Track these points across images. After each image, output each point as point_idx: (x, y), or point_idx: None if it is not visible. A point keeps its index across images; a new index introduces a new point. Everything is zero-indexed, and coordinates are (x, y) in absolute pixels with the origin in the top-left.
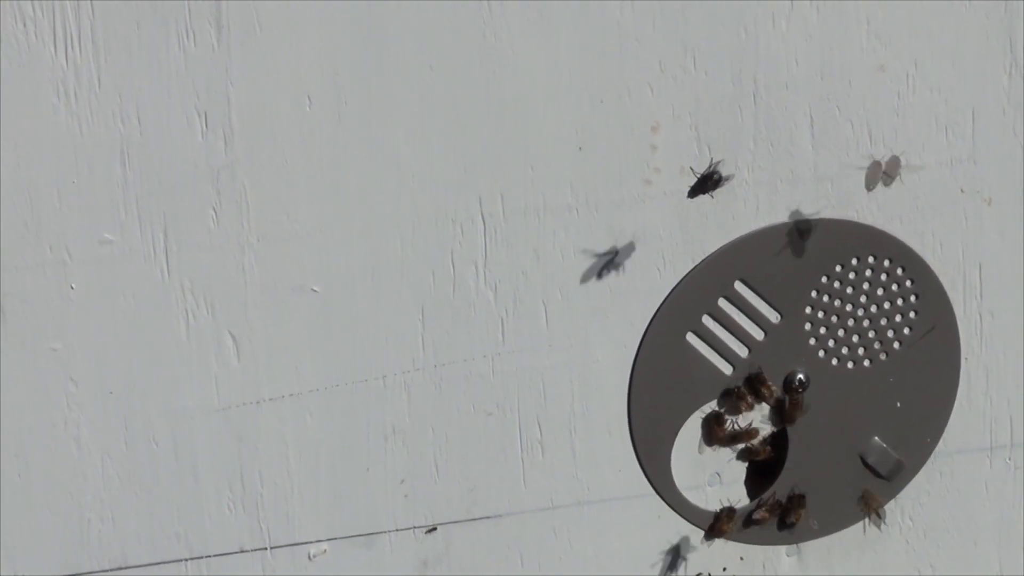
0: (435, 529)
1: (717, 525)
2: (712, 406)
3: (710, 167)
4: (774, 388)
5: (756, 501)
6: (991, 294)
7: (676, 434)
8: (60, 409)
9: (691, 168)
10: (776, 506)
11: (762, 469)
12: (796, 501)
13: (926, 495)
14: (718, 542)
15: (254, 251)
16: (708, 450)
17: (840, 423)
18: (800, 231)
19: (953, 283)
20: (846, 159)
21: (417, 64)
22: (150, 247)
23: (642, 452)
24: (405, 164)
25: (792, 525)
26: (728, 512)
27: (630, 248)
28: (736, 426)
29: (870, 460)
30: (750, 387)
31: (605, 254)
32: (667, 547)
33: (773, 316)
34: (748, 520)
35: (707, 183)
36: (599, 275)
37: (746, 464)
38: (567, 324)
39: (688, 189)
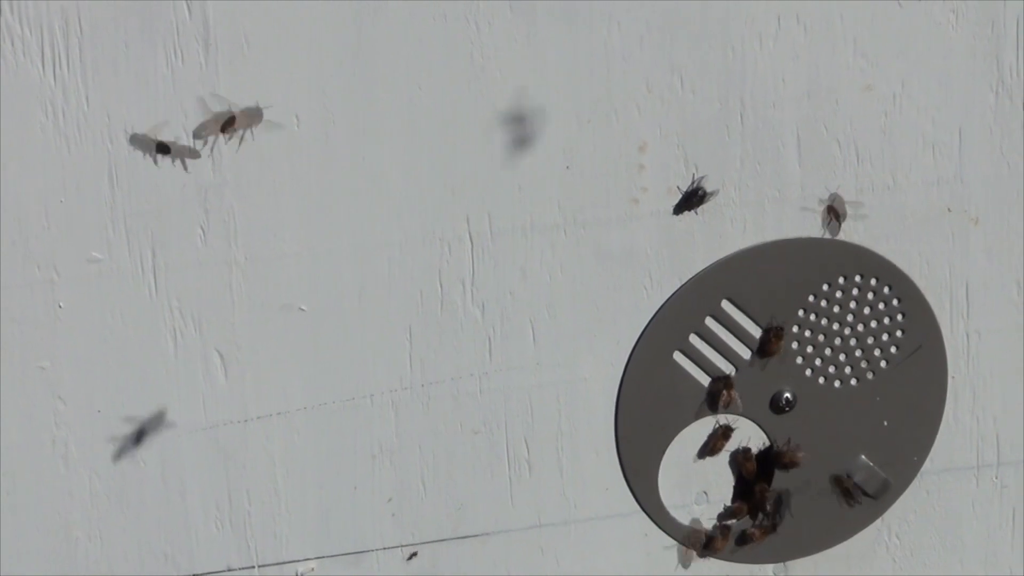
0: (416, 555)
1: (711, 543)
2: (719, 419)
3: (694, 183)
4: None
5: (757, 520)
6: (978, 313)
7: (663, 452)
8: (48, 427)
9: (677, 187)
10: (771, 524)
11: (748, 487)
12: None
13: (912, 514)
14: (703, 562)
15: (242, 270)
16: (699, 462)
17: (827, 441)
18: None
19: (940, 302)
20: (833, 178)
21: (405, 83)
22: (138, 266)
23: (629, 470)
24: (392, 183)
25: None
26: (723, 530)
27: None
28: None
29: (857, 478)
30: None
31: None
32: (654, 565)
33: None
34: (741, 538)
35: (692, 199)
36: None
37: (733, 482)
38: (554, 343)
39: (673, 206)
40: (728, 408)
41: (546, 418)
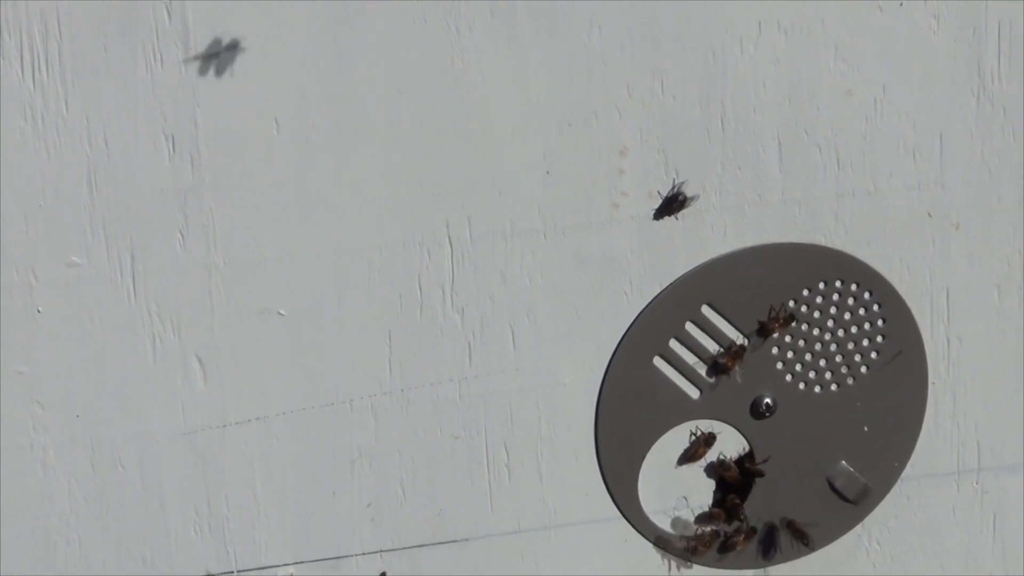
0: (384, 574)
1: (696, 545)
2: (701, 426)
3: (674, 188)
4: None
5: (731, 527)
6: (958, 318)
7: (643, 458)
8: (26, 432)
9: (658, 192)
10: (752, 532)
11: (730, 490)
12: (748, 533)
13: (893, 519)
14: (683, 567)
15: (221, 274)
16: (681, 468)
17: (807, 447)
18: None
19: (920, 307)
20: (814, 183)
21: (385, 88)
22: (117, 270)
23: (609, 476)
24: (372, 188)
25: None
26: (711, 534)
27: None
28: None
29: (837, 484)
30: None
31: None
32: (634, 570)
33: (740, 340)
34: (723, 547)
35: (672, 204)
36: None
37: (714, 486)
38: (534, 348)
39: (654, 211)
40: (723, 374)
41: (526, 423)
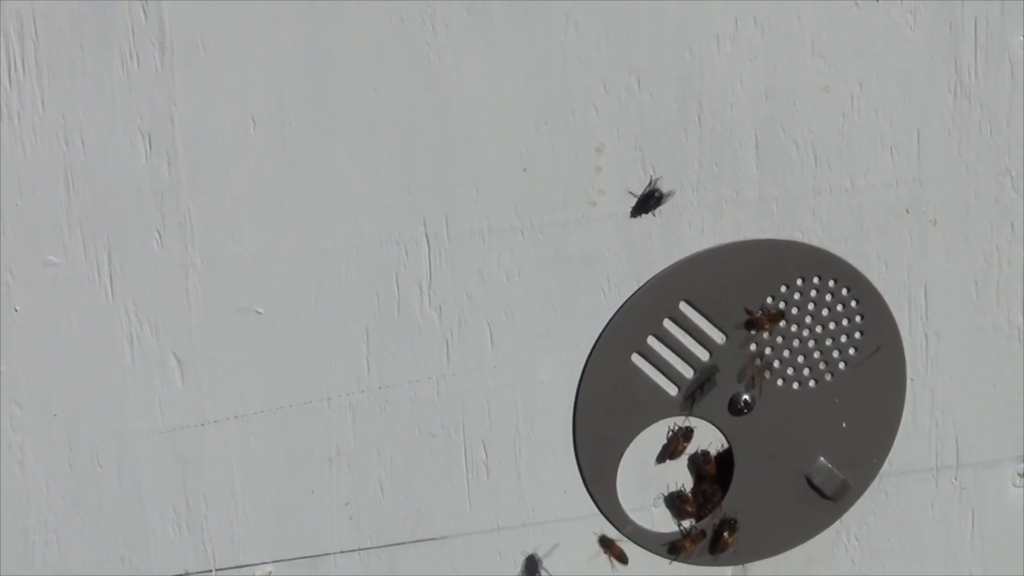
0: None
1: (681, 543)
2: (680, 422)
3: (650, 185)
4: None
5: (716, 527)
6: (936, 314)
7: (622, 455)
8: (4, 432)
9: (631, 192)
10: (733, 524)
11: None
12: (728, 525)
13: (872, 516)
14: (660, 566)
15: (198, 273)
16: (661, 465)
17: (786, 443)
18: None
19: (899, 303)
20: (791, 180)
21: (361, 86)
22: (94, 269)
23: (588, 473)
24: (349, 186)
25: (724, 548)
26: (698, 532)
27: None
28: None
29: (816, 480)
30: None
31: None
32: (613, 568)
33: (718, 336)
34: (713, 546)
35: (648, 201)
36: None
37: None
38: (512, 346)
39: (631, 209)
40: (754, 330)
41: (504, 421)
